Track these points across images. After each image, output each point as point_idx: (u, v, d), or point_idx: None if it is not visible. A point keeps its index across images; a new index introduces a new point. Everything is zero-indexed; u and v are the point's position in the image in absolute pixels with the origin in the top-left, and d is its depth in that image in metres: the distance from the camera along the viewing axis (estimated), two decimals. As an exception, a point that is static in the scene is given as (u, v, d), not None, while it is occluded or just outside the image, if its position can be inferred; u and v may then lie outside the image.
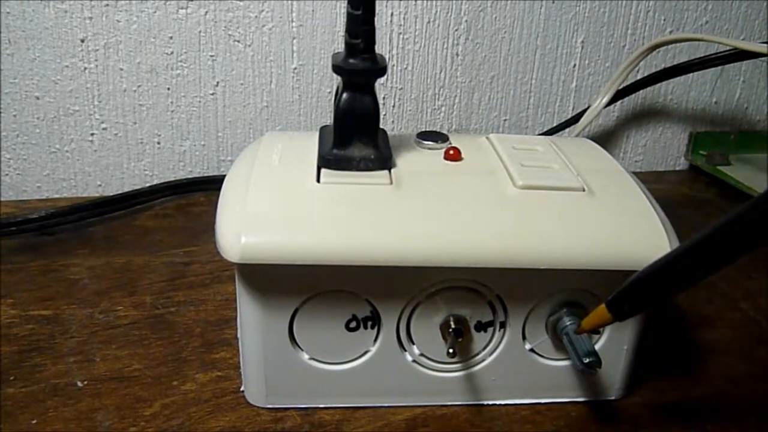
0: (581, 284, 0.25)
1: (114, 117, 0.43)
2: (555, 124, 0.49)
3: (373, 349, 0.25)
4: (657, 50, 0.46)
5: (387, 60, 0.30)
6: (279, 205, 0.24)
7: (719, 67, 0.47)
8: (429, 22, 0.45)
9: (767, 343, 0.31)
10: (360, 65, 0.25)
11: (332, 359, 0.25)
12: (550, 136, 0.32)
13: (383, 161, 0.26)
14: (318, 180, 0.25)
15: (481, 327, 0.25)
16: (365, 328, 0.25)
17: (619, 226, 0.25)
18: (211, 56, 0.43)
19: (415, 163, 0.27)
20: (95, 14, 0.40)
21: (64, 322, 0.30)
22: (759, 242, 0.17)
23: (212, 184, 0.43)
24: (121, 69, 0.42)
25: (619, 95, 0.46)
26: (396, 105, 0.47)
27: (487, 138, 0.30)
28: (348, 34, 0.25)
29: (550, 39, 0.47)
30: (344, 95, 0.26)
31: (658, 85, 0.48)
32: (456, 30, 0.45)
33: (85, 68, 0.41)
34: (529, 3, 0.46)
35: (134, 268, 0.35)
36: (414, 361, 0.26)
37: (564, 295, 0.25)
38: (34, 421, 0.25)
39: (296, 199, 0.24)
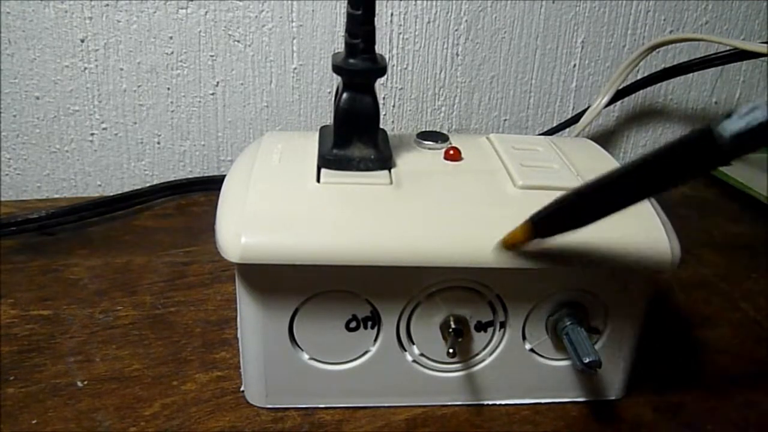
0: (581, 284, 0.25)
1: (114, 117, 0.43)
2: (555, 124, 0.49)
3: (373, 349, 0.25)
4: (657, 50, 0.46)
5: (387, 60, 0.30)
6: (279, 205, 0.24)
7: (719, 67, 0.47)
8: (429, 22, 0.45)
9: (767, 343, 0.31)
10: (360, 65, 0.25)
11: (332, 359, 0.25)
12: (550, 136, 0.32)
13: (383, 161, 0.26)
14: (318, 180, 0.25)
15: (481, 327, 0.25)
16: (365, 328, 0.25)
17: (620, 226, 0.25)
18: (211, 56, 0.43)
19: (415, 163, 0.27)
20: (95, 14, 0.40)
21: (64, 322, 0.30)
22: (696, 171, 0.17)
23: (212, 184, 0.43)
24: (121, 69, 0.42)
25: (619, 95, 0.46)
26: (396, 105, 0.47)
27: (487, 138, 0.30)
28: (348, 34, 0.25)
29: (550, 39, 0.47)
30: (344, 95, 0.26)
31: (658, 85, 0.48)
32: (456, 30, 0.45)
33: (85, 68, 0.41)
34: (529, 3, 0.46)
35: (134, 268, 0.35)
36: (414, 361, 0.26)
37: (564, 295, 0.25)
38: (34, 421, 0.25)
39: (296, 199, 0.24)
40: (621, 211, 0.20)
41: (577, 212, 0.21)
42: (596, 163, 0.29)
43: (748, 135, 0.15)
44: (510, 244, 0.23)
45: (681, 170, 0.17)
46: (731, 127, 0.15)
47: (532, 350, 0.26)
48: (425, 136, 0.29)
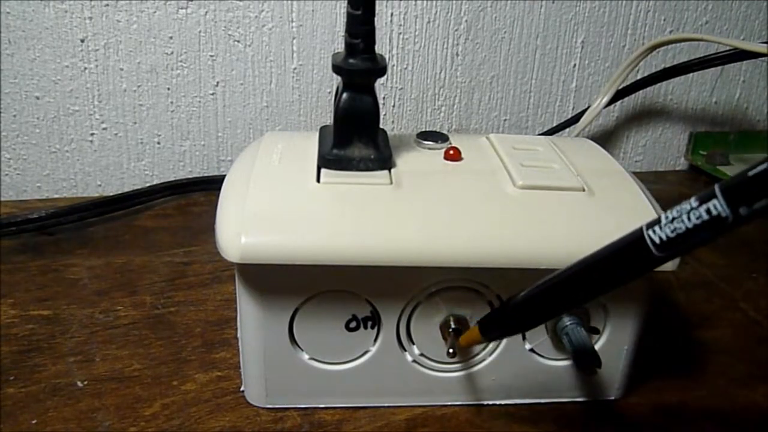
0: (581, 284, 0.25)
1: (114, 117, 0.43)
2: (555, 124, 0.49)
3: (373, 349, 0.25)
4: (657, 50, 0.46)
5: (387, 60, 0.30)
6: (279, 205, 0.24)
7: (719, 67, 0.47)
8: (429, 22, 0.45)
9: (767, 343, 0.31)
10: (360, 65, 0.25)
11: (332, 359, 0.25)
12: (550, 136, 0.32)
13: (383, 161, 0.26)
14: (318, 180, 0.25)
15: (481, 327, 0.25)
16: (365, 328, 0.25)
17: (619, 226, 0.24)
18: (211, 56, 0.43)
19: (415, 163, 0.27)
20: (95, 14, 0.40)
21: (64, 322, 0.30)
22: (632, 275, 0.18)
23: (212, 184, 0.43)
24: (121, 69, 0.42)
25: (619, 95, 0.46)
26: (396, 105, 0.47)
27: (487, 138, 0.30)
28: (348, 34, 0.25)
29: (550, 39, 0.47)
30: (344, 95, 0.26)
31: (658, 85, 0.48)
32: (456, 30, 0.45)
33: (85, 68, 0.41)
34: (529, 3, 0.46)
35: (134, 268, 0.35)
36: (414, 361, 0.26)
37: (564, 295, 0.25)
38: (34, 421, 0.25)
39: (296, 199, 0.24)
40: (559, 315, 0.23)
41: (518, 319, 0.22)
42: (596, 163, 0.29)
43: (675, 242, 0.16)
44: (465, 345, 0.24)
45: (616, 275, 0.18)
46: (659, 234, 0.16)
47: (532, 350, 0.26)
48: (425, 136, 0.29)
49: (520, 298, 0.21)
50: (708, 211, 0.15)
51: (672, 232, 0.16)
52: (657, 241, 0.16)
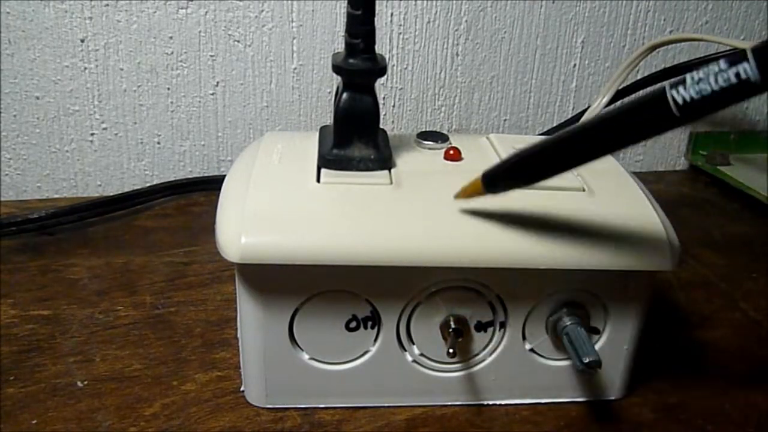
0: (581, 284, 0.25)
1: (114, 117, 0.43)
2: (555, 124, 0.49)
3: (373, 349, 0.25)
4: (657, 50, 0.46)
5: (387, 60, 0.30)
6: (279, 205, 0.24)
7: (719, 67, 0.47)
8: (429, 22, 0.45)
9: (767, 343, 0.31)
10: (360, 65, 0.25)
11: (332, 359, 0.25)
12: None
13: (383, 161, 0.26)
14: (318, 180, 0.25)
15: (481, 327, 0.25)
16: (365, 328, 0.25)
17: (619, 226, 0.25)
18: (211, 56, 0.43)
19: (415, 163, 0.27)
20: (95, 14, 0.40)
21: (64, 322, 0.30)
22: (649, 133, 0.17)
23: (212, 184, 0.43)
24: (121, 69, 0.42)
25: (619, 95, 0.46)
26: (396, 105, 0.47)
27: (487, 138, 0.30)
28: (348, 34, 0.25)
29: (550, 39, 0.47)
30: (344, 95, 0.26)
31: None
32: (456, 30, 0.45)
33: (85, 68, 0.41)
34: (529, 3, 0.46)
35: (134, 268, 0.35)
36: (414, 361, 0.26)
37: (564, 295, 0.25)
38: (34, 421, 0.25)
39: (296, 199, 0.24)
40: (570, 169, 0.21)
41: (527, 169, 0.21)
42: (596, 163, 0.29)
43: (698, 103, 0.15)
44: (463, 197, 0.24)
45: (633, 132, 0.18)
46: (683, 94, 0.16)
47: (532, 350, 0.26)
48: (425, 136, 0.29)
49: (534, 146, 0.20)
50: (737, 74, 0.14)
51: (696, 93, 0.15)
52: (680, 101, 0.16)
